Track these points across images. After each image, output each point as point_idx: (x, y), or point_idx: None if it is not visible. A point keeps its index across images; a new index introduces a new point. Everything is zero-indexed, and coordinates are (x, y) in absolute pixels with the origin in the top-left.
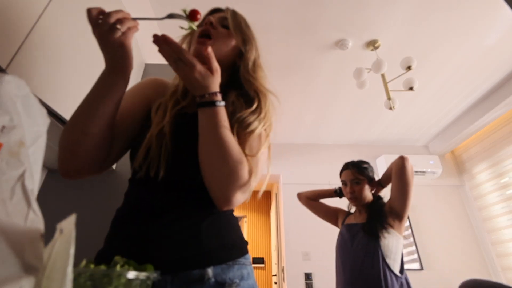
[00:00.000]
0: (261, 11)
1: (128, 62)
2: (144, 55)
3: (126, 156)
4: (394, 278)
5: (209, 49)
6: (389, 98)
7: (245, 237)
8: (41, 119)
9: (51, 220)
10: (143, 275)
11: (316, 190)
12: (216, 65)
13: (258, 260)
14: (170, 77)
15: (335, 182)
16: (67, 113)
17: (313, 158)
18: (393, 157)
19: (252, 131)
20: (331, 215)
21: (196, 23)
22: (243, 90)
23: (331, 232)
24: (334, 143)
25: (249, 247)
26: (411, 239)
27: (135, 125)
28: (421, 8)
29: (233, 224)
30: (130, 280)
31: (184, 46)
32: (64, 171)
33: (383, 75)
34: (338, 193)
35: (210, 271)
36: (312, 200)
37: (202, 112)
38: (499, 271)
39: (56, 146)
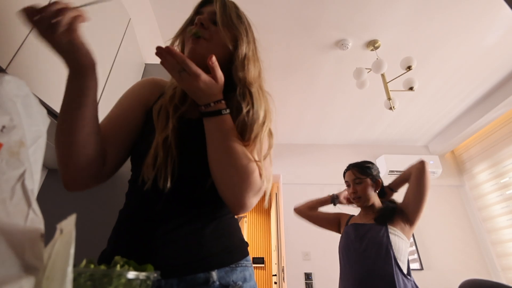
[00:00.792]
0: (261, 11)
1: (84, 59)
2: (144, 55)
3: None
4: (406, 280)
5: (213, 59)
6: (389, 98)
7: (245, 237)
8: (41, 119)
9: (51, 220)
10: (143, 275)
11: (313, 200)
12: (220, 74)
13: (258, 260)
14: (169, 76)
15: (329, 190)
16: None
17: (313, 158)
18: (393, 157)
19: (256, 135)
20: (333, 221)
21: None
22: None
23: (331, 232)
24: (334, 143)
25: (249, 247)
26: (411, 239)
27: (133, 127)
28: (421, 8)
29: (234, 226)
30: (130, 280)
31: (176, 45)
32: (65, 184)
33: (383, 75)
34: (334, 199)
35: (214, 274)
36: (311, 211)
37: (208, 122)
38: (499, 271)
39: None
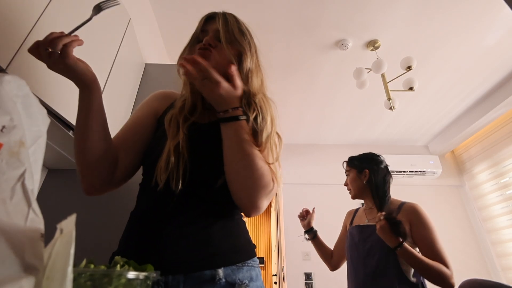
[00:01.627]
0: (261, 11)
1: (82, 77)
2: (144, 55)
3: None
4: (409, 283)
5: (233, 68)
6: (389, 98)
7: None
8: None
9: (51, 220)
10: (143, 275)
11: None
12: (239, 82)
13: (258, 260)
14: (169, 77)
15: (329, 190)
16: (67, 113)
17: (313, 158)
18: (393, 157)
19: (267, 139)
20: (345, 236)
21: None
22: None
23: (331, 232)
24: (334, 143)
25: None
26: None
27: (145, 135)
28: (421, 8)
29: (242, 227)
30: (130, 280)
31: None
32: (84, 190)
33: (383, 75)
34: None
35: (221, 272)
36: (330, 256)
37: (226, 127)
38: (499, 271)
39: (56, 145)
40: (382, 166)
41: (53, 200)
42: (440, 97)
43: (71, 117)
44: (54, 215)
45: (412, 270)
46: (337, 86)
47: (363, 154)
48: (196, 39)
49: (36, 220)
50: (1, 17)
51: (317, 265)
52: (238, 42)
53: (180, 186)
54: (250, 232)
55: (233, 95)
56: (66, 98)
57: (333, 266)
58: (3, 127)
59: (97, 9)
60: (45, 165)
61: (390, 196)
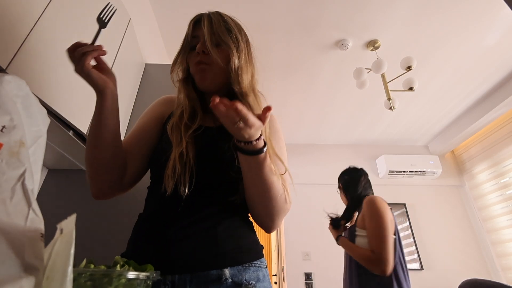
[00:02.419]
0: (261, 11)
1: (93, 85)
2: (144, 55)
3: None
4: (369, 277)
5: (268, 114)
6: (389, 98)
7: None
8: (41, 119)
9: (51, 220)
10: (143, 275)
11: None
12: (267, 117)
13: None
14: (169, 77)
15: (329, 190)
16: (67, 113)
17: (313, 158)
18: (393, 157)
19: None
20: None
21: None
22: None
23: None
24: (334, 143)
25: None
26: (411, 239)
27: (151, 140)
28: (421, 8)
29: (249, 228)
30: (130, 280)
31: (179, 61)
32: (92, 194)
33: (383, 75)
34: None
35: (227, 271)
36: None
37: (248, 159)
38: (499, 271)
39: (56, 145)
40: (347, 174)
41: (53, 200)
42: (440, 97)
43: (71, 117)
44: (54, 215)
45: None
46: (337, 86)
47: (348, 169)
48: (188, 45)
49: (36, 220)
50: (1, 17)
51: (317, 265)
52: (224, 42)
53: (187, 191)
54: None
55: (260, 129)
56: (66, 98)
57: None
58: (3, 127)
59: (101, 22)
60: (45, 165)
61: (364, 193)
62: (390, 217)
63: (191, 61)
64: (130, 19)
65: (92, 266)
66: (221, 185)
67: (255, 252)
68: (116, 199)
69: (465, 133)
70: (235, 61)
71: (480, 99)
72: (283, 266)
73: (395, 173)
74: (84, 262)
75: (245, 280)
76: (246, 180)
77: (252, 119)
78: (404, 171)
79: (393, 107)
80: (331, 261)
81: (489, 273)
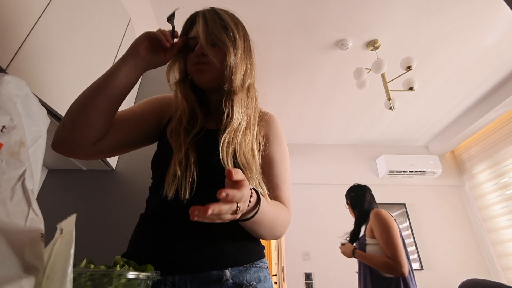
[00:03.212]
0: (261, 11)
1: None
2: None
3: (125, 157)
4: (380, 280)
5: (240, 180)
6: (389, 98)
7: None
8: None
9: (51, 220)
10: (143, 275)
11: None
12: (243, 184)
13: None
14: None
15: (329, 190)
16: None
17: (313, 158)
18: (393, 157)
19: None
20: None
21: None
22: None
23: (331, 232)
24: (334, 143)
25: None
26: (411, 239)
27: (139, 126)
28: (421, 8)
29: None
30: (130, 280)
31: (176, 62)
32: (54, 142)
33: (383, 75)
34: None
35: (228, 272)
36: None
37: (247, 224)
38: (499, 271)
39: None
40: (353, 191)
41: (53, 200)
42: (440, 97)
43: None
44: (54, 215)
45: None
46: (337, 86)
47: (353, 187)
48: (184, 46)
49: (36, 220)
50: (1, 17)
51: (317, 265)
52: (220, 41)
53: (187, 196)
54: None
55: (246, 201)
56: (66, 98)
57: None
58: (3, 127)
59: (170, 19)
60: (45, 165)
61: (369, 207)
62: (396, 226)
63: (189, 62)
64: (130, 19)
65: (92, 266)
66: (223, 186)
67: (256, 252)
68: (116, 199)
69: (465, 133)
70: (231, 60)
71: (480, 99)
72: (283, 266)
73: (395, 173)
74: (84, 262)
75: (246, 281)
76: (251, 232)
77: (243, 204)
78: (404, 171)
79: (393, 107)
80: (331, 261)
81: (489, 273)
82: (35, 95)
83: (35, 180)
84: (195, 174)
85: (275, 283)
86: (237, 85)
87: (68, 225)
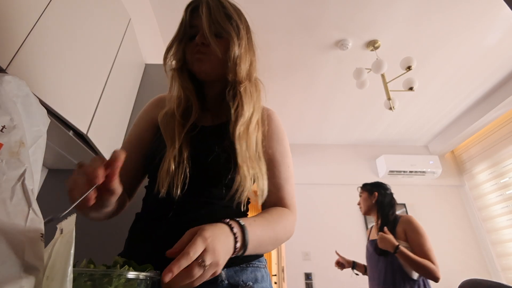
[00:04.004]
0: (262, 11)
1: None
2: (144, 55)
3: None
4: (411, 283)
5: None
6: (389, 98)
7: None
8: (41, 119)
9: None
10: (143, 275)
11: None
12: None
13: None
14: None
15: (329, 190)
16: (67, 113)
17: (313, 158)
18: (393, 157)
19: (246, 129)
20: None
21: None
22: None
23: (331, 232)
24: (334, 143)
25: None
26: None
27: (145, 150)
28: (421, 8)
29: None
30: (130, 280)
31: (173, 53)
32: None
33: (383, 75)
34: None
35: (223, 273)
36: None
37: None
38: (499, 271)
39: (56, 145)
40: (388, 192)
41: (53, 200)
42: (440, 97)
43: (71, 117)
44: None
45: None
46: (337, 86)
47: (375, 181)
48: (184, 33)
49: (36, 220)
50: (1, 17)
51: (317, 265)
52: (224, 30)
53: (179, 193)
54: None
55: (230, 252)
56: (66, 98)
57: None
58: (3, 127)
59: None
60: (45, 165)
61: (396, 215)
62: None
63: (189, 51)
64: (130, 19)
65: (92, 266)
66: (216, 188)
67: None
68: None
69: (465, 133)
70: (235, 50)
71: (480, 99)
72: (283, 266)
73: (395, 173)
74: (84, 262)
75: (242, 281)
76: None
77: (211, 261)
78: (404, 171)
79: (393, 107)
80: (331, 261)
81: (489, 273)
82: (35, 95)
83: (35, 180)
84: (187, 170)
85: (275, 283)
86: (243, 76)
87: (68, 225)
